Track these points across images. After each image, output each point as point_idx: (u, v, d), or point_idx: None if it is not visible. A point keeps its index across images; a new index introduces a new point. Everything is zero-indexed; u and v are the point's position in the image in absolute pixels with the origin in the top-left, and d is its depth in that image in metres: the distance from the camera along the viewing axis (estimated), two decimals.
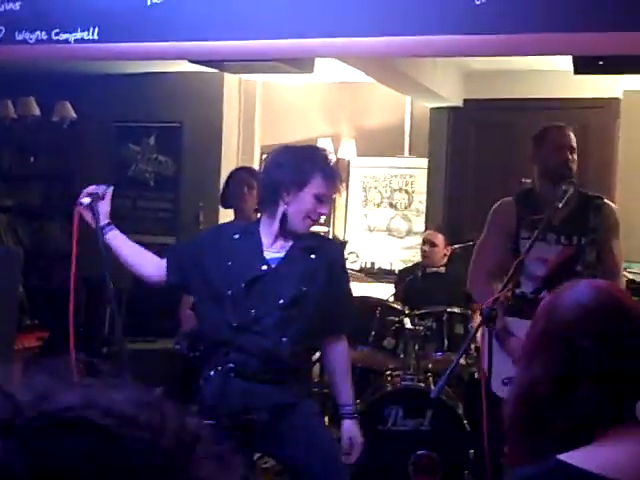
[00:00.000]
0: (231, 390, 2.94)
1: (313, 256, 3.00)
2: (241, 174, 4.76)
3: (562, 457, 1.24)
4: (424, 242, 5.56)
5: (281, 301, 2.92)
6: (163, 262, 3.10)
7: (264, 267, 2.96)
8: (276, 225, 2.95)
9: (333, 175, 2.98)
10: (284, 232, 2.96)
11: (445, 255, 5.55)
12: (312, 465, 2.99)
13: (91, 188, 3.05)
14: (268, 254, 2.99)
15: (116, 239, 3.09)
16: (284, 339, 2.93)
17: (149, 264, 3.11)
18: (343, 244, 5.65)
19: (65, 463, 0.50)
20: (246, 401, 2.90)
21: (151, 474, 0.54)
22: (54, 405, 0.53)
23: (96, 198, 3.01)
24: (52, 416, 0.52)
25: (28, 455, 0.50)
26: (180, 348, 4.91)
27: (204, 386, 3.05)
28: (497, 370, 3.47)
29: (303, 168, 2.92)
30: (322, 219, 3.32)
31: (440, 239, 5.54)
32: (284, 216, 2.92)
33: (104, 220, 3.05)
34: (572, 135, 3.70)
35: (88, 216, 3.03)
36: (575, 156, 3.66)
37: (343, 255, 3.30)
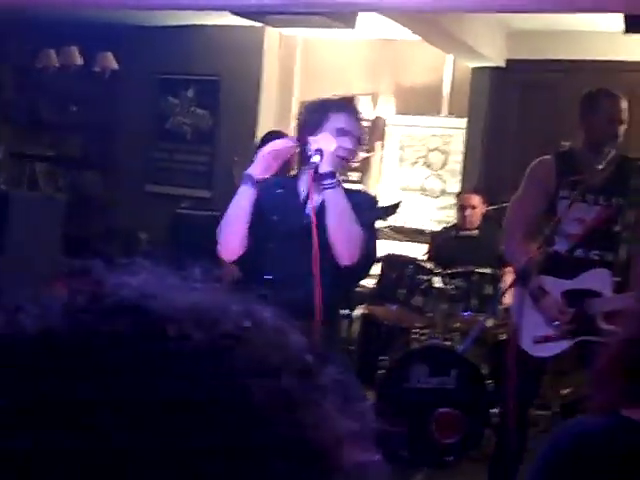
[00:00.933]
0: None
1: None
2: (277, 136, 4.74)
3: (627, 413, 1.11)
4: (464, 207, 5.47)
5: (313, 251, 2.91)
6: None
7: (304, 222, 2.96)
8: (309, 171, 2.93)
9: (352, 109, 3.02)
10: (318, 177, 2.94)
11: (482, 215, 5.49)
12: None
13: (320, 140, 2.89)
14: (307, 208, 3.00)
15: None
16: (317, 289, 2.93)
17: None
18: (396, 205, 5.53)
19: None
20: None
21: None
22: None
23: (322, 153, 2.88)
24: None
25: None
26: None
27: None
28: (528, 329, 3.44)
29: (322, 107, 3.00)
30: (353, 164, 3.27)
31: (477, 200, 5.48)
32: (317, 156, 2.90)
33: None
34: (625, 105, 3.58)
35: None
36: (624, 127, 3.56)
37: (371, 203, 3.24)
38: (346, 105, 3.03)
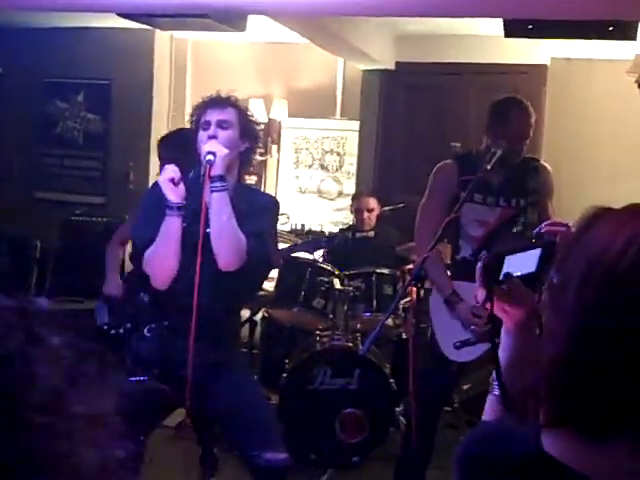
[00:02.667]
0: (165, 348, 2.97)
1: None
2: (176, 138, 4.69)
3: (547, 446, 1.02)
4: (361, 210, 5.56)
5: (198, 256, 2.93)
6: None
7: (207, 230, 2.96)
8: (205, 172, 2.96)
9: (211, 99, 3.08)
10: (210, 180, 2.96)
11: (377, 216, 5.61)
12: (241, 419, 3.03)
13: (212, 144, 2.94)
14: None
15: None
16: (217, 294, 2.96)
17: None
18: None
19: None
20: (180, 358, 2.91)
21: None
22: None
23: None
24: None
25: None
26: (100, 320, 4.42)
27: (138, 343, 3.07)
28: (447, 334, 3.52)
29: (203, 103, 3.09)
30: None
31: (374, 203, 5.59)
32: (210, 155, 2.95)
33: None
34: (532, 117, 3.64)
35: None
36: (531, 133, 3.65)
37: (273, 207, 3.24)
38: (223, 100, 3.07)
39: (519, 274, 1.31)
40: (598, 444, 0.98)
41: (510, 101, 3.72)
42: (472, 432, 1.18)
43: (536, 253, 1.32)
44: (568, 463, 1.00)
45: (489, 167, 3.51)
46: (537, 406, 1.04)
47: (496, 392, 1.31)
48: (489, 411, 1.26)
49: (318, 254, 5.60)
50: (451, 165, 3.74)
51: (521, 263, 1.32)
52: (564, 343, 1.00)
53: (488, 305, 1.31)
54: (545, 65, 6.10)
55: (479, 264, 1.29)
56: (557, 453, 1.01)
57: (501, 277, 1.29)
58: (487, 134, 3.66)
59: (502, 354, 1.27)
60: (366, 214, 5.56)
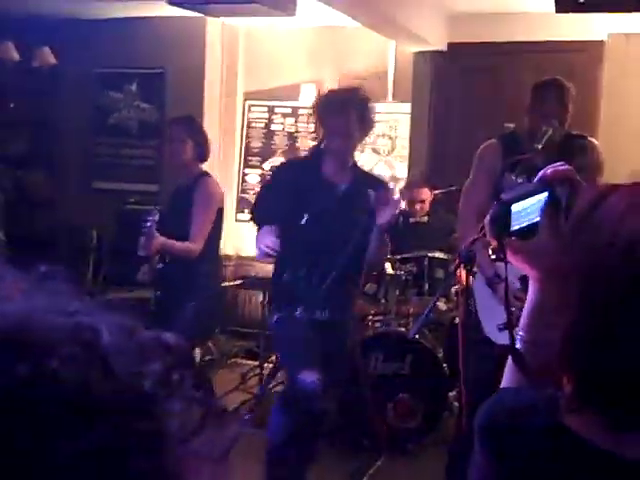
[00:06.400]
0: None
1: None
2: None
3: (570, 421, 1.00)
4: (414, 201, 5.49)
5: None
6: None
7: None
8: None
9: None
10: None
11: (430, 202, 5.53)
12: None
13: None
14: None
15: None
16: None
17: None
18: None
19: None
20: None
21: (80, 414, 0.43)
22: None
23: None
24: None
25: None
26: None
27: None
28: (490, 316, 3.47)
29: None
30: None
31: (426, 193, 5.50)
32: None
33: None
34: (565, 98, 3.61)
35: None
36: (568, 116, 3.60)
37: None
38: None
39: (525, 225, 1.26)
40: (622, 429, 0.96)
41: (546, 82, 3.67)
42: (493, 400, 1.13)
43: (542, 198, 1.27)
44: (592, 438, 0.97)
45: (540, 146, 3.43)
46: (556, 377, 1.02)
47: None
48: (508, 376, 1.20)
49: None
50: (495, 145, 3.67)
51: (528, 210, 1.28)
52: (569, 336, 0.98)
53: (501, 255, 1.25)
54: (602, 41, 5.93)
55: (487, 217, 1.25)
56: (580, 429, 0.99)
57: (512, 228, 1.24)
58: (527, 115, 3.61)
59: (527, 305, 1.22)
60: (418, 205, 5.48)
